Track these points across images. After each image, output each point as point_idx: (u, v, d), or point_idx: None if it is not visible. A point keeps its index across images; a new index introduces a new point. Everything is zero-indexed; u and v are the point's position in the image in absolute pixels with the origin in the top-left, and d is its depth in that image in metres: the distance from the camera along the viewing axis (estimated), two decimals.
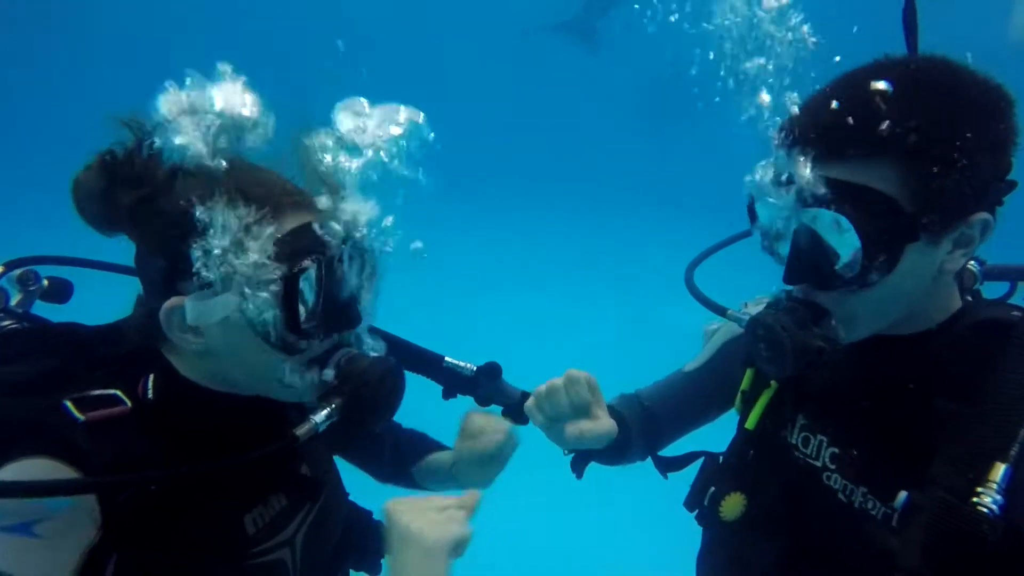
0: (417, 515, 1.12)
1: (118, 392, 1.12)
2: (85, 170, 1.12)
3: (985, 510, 0.96)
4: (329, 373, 1.16)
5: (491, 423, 1.50)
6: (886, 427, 1.19)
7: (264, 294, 1.07)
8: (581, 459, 1.57)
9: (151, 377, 1.15)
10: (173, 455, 1.11)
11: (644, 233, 10.88)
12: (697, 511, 1.40)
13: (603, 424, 1.36)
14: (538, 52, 16.32)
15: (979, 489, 0.98)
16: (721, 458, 1.43)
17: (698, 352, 1.67)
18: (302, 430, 1.13)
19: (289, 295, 1.08)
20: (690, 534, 1.48)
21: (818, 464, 1.28)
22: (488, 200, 11.70)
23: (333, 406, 1.15)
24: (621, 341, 7.19)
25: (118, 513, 1.05)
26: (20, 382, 1.10)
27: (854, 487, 1.22)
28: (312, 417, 1.14)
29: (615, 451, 1.52)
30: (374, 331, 1.33)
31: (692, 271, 1.66)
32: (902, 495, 1.07)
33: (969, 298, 1.23)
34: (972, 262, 1.26)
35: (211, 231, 1.05)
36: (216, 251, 1.05)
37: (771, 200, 1.12)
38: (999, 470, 0.98)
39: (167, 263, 1.10)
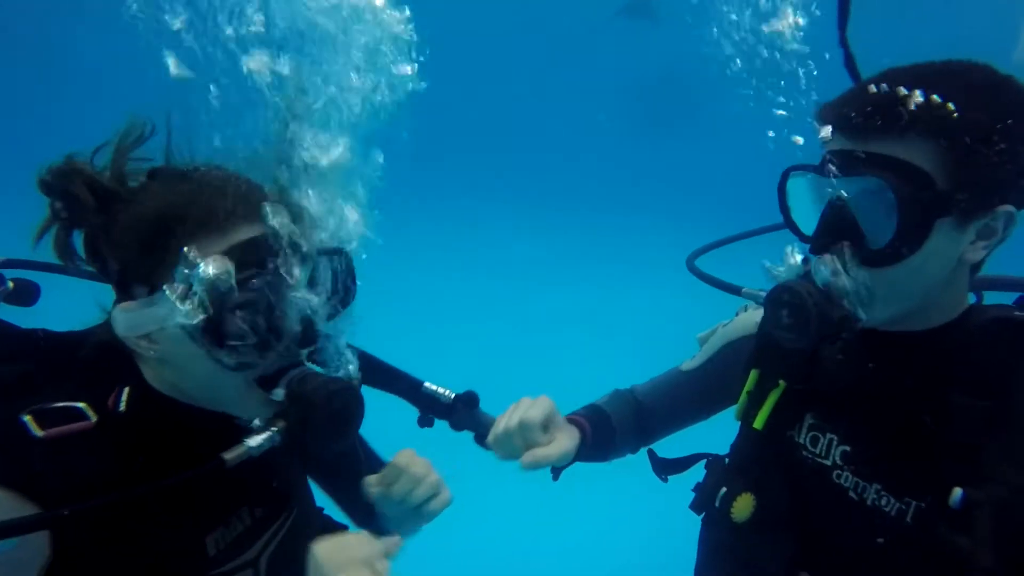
0: (343, 569, 1.08)
1: (82, 405, 1.07)
2: (61, 176, 1.09)
3: None
4: (279, 393, 1.11)
5: (416, 469, 1.39)
6: (899, 422, 1.19)
7: (199, 305, 1.02)
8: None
9: (126, 389, 1.11)
10: (134, 472, 1.07)
11: (644, 234, 10.89)
12: (706, 513, 1.38)
13: (557, 447, 1.39)
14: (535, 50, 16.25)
15: None
16: (727, 459, 1.41)
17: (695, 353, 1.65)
18: (231, 454, 1.08)
19: (222, 307, 1.03)
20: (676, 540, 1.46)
21: (827, 463, 1.27)
22: (485, 200, 11.63)
23: (275, 429, 1.10)
24: (620, 341, 7.23)
25: (70, 538, 1.01)
26: None
27: (866, 484, 1.22)
28: (247, 440, 1.09)
29: (595, 452, 1.54)
30: (353, 350, 1.29)
31: (695, 258, 1.69)
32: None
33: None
34: None
35: (159, 239, 1.04)
36: (159, 259, 1.04)
37: (808, 172, 1.16)
38: None
39: (120, 267, 1.08)
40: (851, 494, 1.23)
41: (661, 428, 1.66)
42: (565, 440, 1.41)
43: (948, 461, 1.10)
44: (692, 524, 1.47)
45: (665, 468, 1.59)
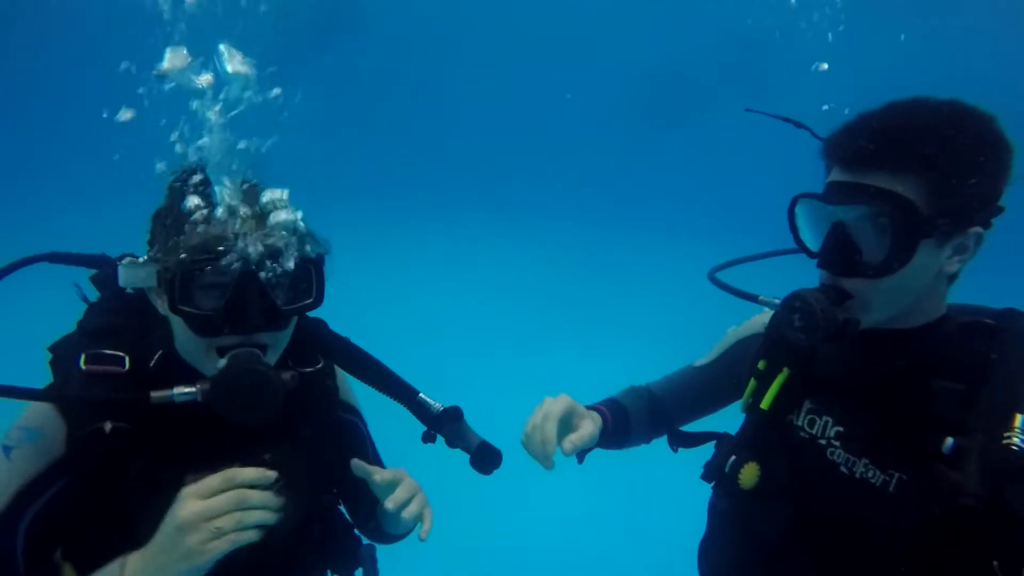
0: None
1: (124, 355, 1.39)
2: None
3: (1015, 448, 1.22)
4: (222, 362, 1.32)
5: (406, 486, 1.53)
6: (888, 406, 1.40)
7: (168, 275, 1.30)
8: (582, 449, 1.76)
9: (160, 352, 1.42)
10: (141, 409, 1.34)
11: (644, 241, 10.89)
12: (715, 482, 1.59)
13: (587, 430, 1.60)
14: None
15: (1007, 433, 1.23)
16: (736, 436, 1.62)
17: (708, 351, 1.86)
18: (157, 394, 1.32)
19: (175, 282, 1.28)
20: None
21: (823, 442, 1.49)
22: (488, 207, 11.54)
23: (197, 388, 1.32)
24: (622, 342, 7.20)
25: (78, 445, 1.33)
26: (90, 331, 1.44)
27: (855, 459, 1.43)
28: (175, 388, 1.32)
29: (613, 439, 1.76)
30: (361, 356, 1.59)
31: (716, 271, 1.91)
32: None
33: None
34: None
35: (159, 223, 1.38)
36: (157, 237, 1.37)
37: (815, 199, 1.39)
38: (1018, 420, 1.24)
39: (149, 235, 1.41)
40: (842, 468, 1.45)
41: (674, 421, 1.85)
42: (591, 425, 1.62)
43: (929, 433, 1.31)
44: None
45: (680, 440, 1.79)
